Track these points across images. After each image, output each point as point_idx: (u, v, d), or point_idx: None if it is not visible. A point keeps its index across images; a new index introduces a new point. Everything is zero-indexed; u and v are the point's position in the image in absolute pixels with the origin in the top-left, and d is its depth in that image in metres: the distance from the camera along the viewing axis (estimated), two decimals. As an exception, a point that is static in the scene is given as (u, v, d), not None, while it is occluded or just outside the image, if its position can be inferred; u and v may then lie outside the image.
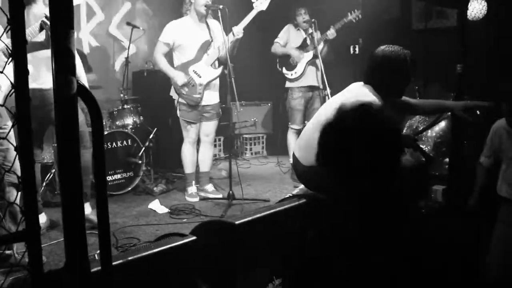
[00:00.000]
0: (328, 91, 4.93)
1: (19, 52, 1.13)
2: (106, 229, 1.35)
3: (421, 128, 4.46)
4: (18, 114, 1.15)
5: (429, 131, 4.47)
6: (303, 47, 5.38)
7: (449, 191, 3.85)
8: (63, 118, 1.16)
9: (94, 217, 3.63)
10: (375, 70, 2.88)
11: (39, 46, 3.13)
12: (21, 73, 1.13)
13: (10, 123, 2.74)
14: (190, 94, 4.45)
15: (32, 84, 3.28)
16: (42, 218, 3.67)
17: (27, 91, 1.14)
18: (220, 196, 4.64)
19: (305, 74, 5.34)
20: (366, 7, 5.27)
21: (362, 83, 2.96)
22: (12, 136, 2.65)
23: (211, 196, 4.66)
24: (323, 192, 2.92)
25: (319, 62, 5.10)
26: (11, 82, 1.14)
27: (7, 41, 1.59)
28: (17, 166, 2.57)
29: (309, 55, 5.33)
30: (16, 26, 1.11)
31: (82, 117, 3.81)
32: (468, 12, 4.31)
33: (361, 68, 5.67)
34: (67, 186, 1.20)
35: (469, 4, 4.28)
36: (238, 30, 4.33)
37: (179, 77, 4.42)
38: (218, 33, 4.42)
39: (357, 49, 5.74)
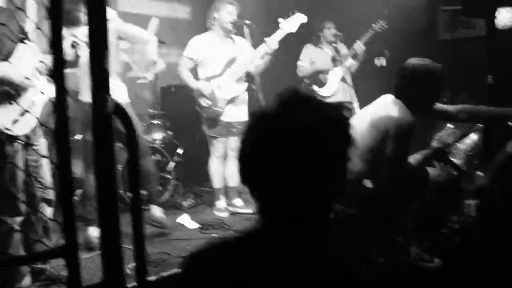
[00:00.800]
0: (356, 104, 4.90)
1: (58, 72, 1.17)
2: (141, 244, 1.38)
3: (451, 141, 4.39)
4: (57, 132, 1.19)
5: (460, 143, 4.39)
6: (332, 65, 5.33)
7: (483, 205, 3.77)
8: (99, 134, 1.20)
9: (162, 216, 3.92)
10: (405, 84, 2.88)
11: (68, 64, 3.20)
12: (60, 92, 1.17)
13: (43, 140, 2.81)
14: (211, 107, 4.46)
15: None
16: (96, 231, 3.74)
17: (66, 110, 1.18)
18: (250, 210, 4.61)
19: (338, 90, 5.29)
20: (391, 18, 5.25)
21: (391, 96, 2.95)
22: (43, 154, 2.73)
23: (240, 210, 4.65)
24: (353, 205, 2.92)
25: (348, 77, 5.07)
26: (51, 100, 1.18)
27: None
28: (48, 181, 2.65)
29: (339, 71, 5.28)
30: (56, 48, 1.15)
31: (140, 126, 3.93)
32: (497, 21, 4.26)
33: (387, 80, 5.67)
34: (104, 202, 1.23)
35: (497, 13, 4.21)
36: (272, 41, 4.31)
37: (203, 87, 4.43)
38: (244, 49, 4.45)
39: (383, 61, 5.71)
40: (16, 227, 2.58)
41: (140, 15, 6.62)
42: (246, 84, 4.54)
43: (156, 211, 3.91)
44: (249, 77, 4.54)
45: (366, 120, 2.94)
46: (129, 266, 2.37)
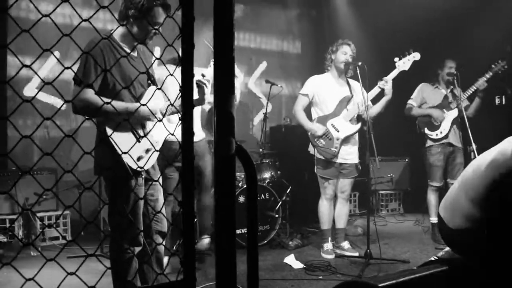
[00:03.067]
0: (474, 146, 4.62)
1: (186, 114, 1.25)
2: (255, 279, 1.40)
3: None
4: (183, 170, 1.26)
5: None
6: (444, 105, 5.14)
7: None
8: (223, 174, 1.25)
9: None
10: None
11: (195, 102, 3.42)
12: (188, 132, 1.25)
13: (160, 176, 2.98)
14: (327, 147, 4.46)
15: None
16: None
17: (192, 150, 1.26)
18: (357, 254, 4.52)
19: (450, 133, 5.10)
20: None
21: None
22: (160, 189, 2.90)
23: (347, 253, 4.56)
24: (473, 258, 2.71)
25: (463, 119, 4.84)
26: (179, 142, 1.26)
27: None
28: (162, 215, 2.80)
29: (453, 113, 5.07)
30: (186, 92, 1.24)
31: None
32: None
33: (508, 119, 5.29)
34: (222, 234, 1.26)
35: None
36: (387, 80, 4.34)
37: (317, 129, 4.46)
38: (358, 90, 4.48)
39: (503, 99, 5.37)
40: (135, 256, 2.75)
41: (252, 49, 6.98)
42: (359, 125, 4.52)
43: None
44: (361, 119, 4.54)
45: (485, 165, 2.72)
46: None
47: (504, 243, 2.61)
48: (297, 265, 4.28)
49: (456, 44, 5.99)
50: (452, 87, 5.11)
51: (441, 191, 5.11)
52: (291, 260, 4.37)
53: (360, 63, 4.28)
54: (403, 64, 4.37)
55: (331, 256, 4.51)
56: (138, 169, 2.57)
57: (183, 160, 1.26)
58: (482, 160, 2.78)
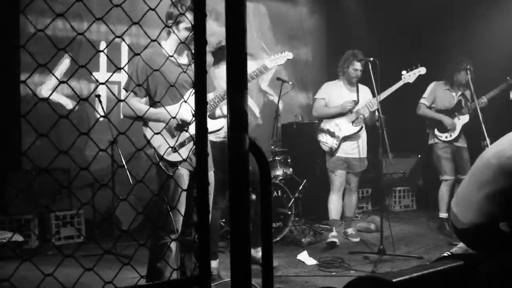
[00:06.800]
0: (488, 141, 4.58)
1: (200, 111, 1.26)
2: (270, 277, 1.40)
3: None
4: (197, 168, 1.27)
5: None
6: (456, 109, 5.15)
7: None
8: (236, 170, 1.25)
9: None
10: None
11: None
12: (201, 129, 1.26)
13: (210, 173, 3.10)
14: (324, 142, 4.82)
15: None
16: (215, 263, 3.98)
17: (206, 150, 1.26)
18: (358, 239, 5.03)
19: (460, 137, 5.19)
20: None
21: None
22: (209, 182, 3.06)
23: (352, 239, 5.01)
24: (488, 253, 2.69)
25: (477, 118, 4.83)
26: (192, 138, 1.27)
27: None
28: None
29: (465, 118, 5.15)
30: (199, 88, 1.25)
31: None
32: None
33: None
34: (236, 231, 1.27)
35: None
36: (374, 102, 4.60)
37: (343, 106, 4.78)
38: (365, 95, 4.84)
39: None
40: (170, 244, 2.89)
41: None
42: (359, 127, 4.78)
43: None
44: (363, 122, 4.84)
45: (494, 158, 2.68)
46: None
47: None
48: (311, 261, 4.29)
49: (469, 43, 5.92)
50: (464, 89, 5.12)
51: (454, 186, 5.11)
52: (304, 256, 4.38)
53: (372, 59, 4.33)
54: (409, 77, 4.59)
55: (335, 240, 4.79)
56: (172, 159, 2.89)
57: (197, 156, 1.27)
58: (491, 155, 2.75)
